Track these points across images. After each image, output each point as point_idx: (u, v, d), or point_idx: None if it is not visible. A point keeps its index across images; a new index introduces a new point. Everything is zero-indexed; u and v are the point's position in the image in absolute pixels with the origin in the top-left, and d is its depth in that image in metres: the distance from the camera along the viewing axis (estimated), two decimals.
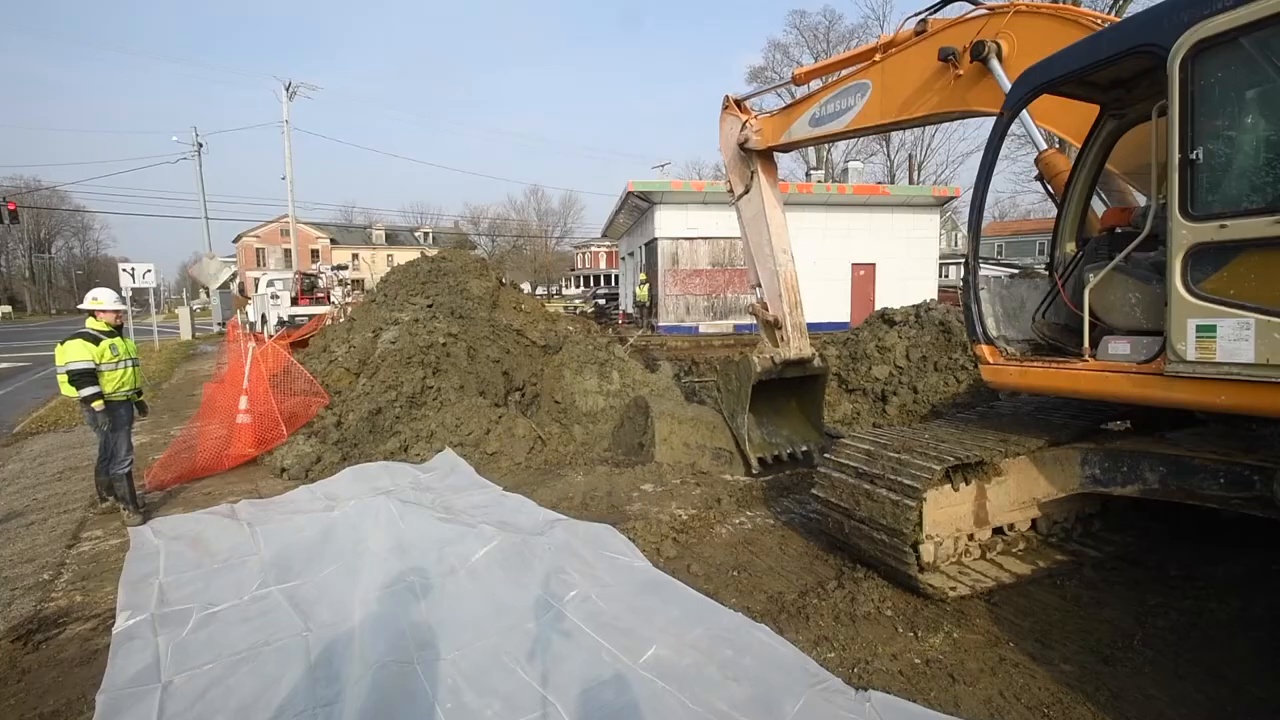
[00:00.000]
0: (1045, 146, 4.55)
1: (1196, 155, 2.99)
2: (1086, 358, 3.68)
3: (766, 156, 6.91)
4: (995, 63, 4.42)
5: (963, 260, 4.58)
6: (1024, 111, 4.11)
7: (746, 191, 7.02)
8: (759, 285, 7.09)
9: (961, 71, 4.65)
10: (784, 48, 49.89)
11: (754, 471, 6.80)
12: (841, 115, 5.69)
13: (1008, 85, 4.25)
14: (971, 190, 4.58)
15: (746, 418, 6.88)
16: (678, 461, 6.87)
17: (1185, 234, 3.04)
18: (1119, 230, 4.02)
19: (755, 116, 6.90)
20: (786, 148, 6.74)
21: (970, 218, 4.54)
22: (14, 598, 4.32)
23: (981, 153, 4.44)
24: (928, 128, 45.93)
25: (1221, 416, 3.81)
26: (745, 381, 6.81)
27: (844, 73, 5.74)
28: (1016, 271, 5.21)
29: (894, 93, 5.21)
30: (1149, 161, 3.53)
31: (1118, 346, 3.57)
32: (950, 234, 52.65)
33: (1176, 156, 3.05)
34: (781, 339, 6.79)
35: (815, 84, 6.30)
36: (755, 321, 7.23)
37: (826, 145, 47.36)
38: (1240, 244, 2.88)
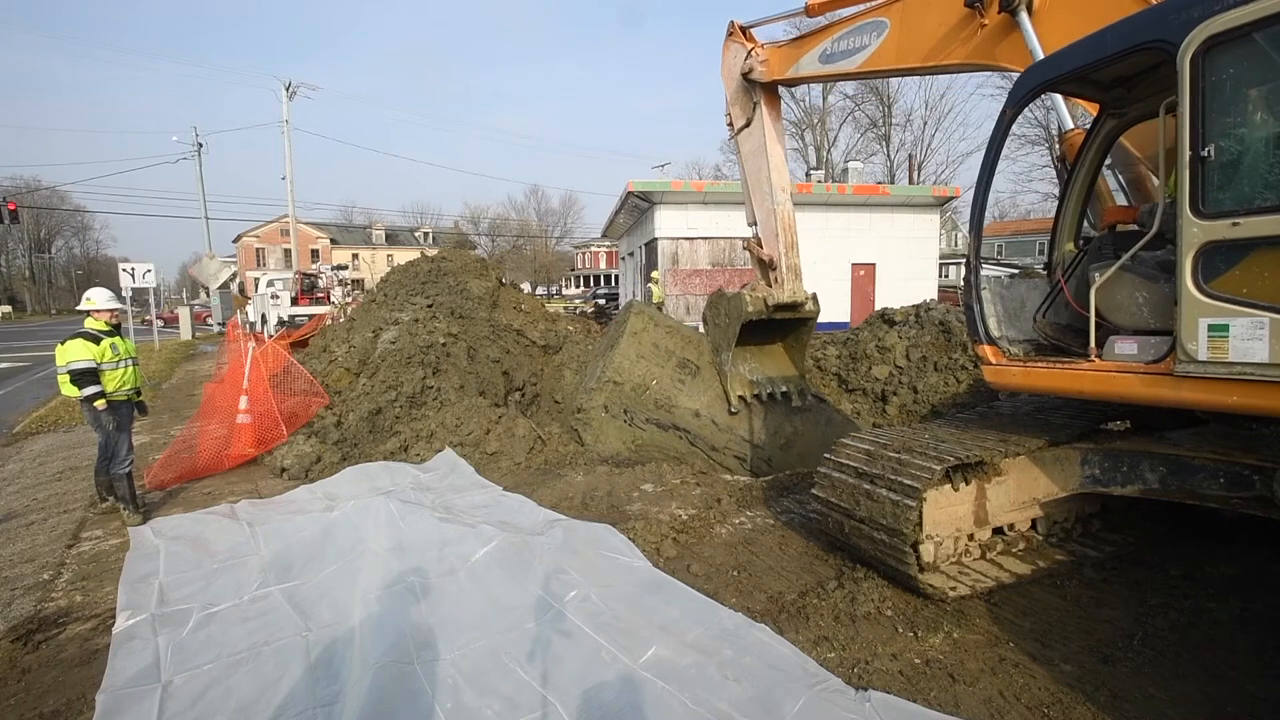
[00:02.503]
0: (1071, 126, 4.36)
1: (1208, 152, 2.94)
2: (1093, 358, 3.65)
3: (771, 90, 6.56)
4: (1024, 16, 4.06)
5: (963, 260, 4.53)
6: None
7: (747, 125, 6.72)
8: (755, 223, 6.83)
9: (987, 21, 4.25)
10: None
11: (733, 410, 6.66)
12: (854, 54, 5.31)
13: (1035, 43, 3.98)
14: (972, 190, 4.52)
15: (732, 354, 6.76)
16: (642, 357, 6.74)
17: (1196, 232, 2.99)
18: (1121, 228, 4.01)
19: (762, 46, 6.52)
20: (793, 82, 6.33)
21: (971, 217, 4.50)
22: (14, 598, 4.32)
23: (982, 153, 4.40)
24: (928, 127, 46.03)
25: (1222, 416, 3.80)
26: (735, 320, 6.66)
27: (862, 7, 5.34)
28: (1017, 271, 5.18)
29: (913, 35, 4.78)
30: (1153, 156, 3.48)
31: (1125, 346, 3.53)
32: (950, 234, 52.64)
33: (1187, 154, 3.00)
34: (775, 280, 6.60)
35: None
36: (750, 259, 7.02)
37: (827, 145, 47.53)
38: (1254, 242, 2.83)
